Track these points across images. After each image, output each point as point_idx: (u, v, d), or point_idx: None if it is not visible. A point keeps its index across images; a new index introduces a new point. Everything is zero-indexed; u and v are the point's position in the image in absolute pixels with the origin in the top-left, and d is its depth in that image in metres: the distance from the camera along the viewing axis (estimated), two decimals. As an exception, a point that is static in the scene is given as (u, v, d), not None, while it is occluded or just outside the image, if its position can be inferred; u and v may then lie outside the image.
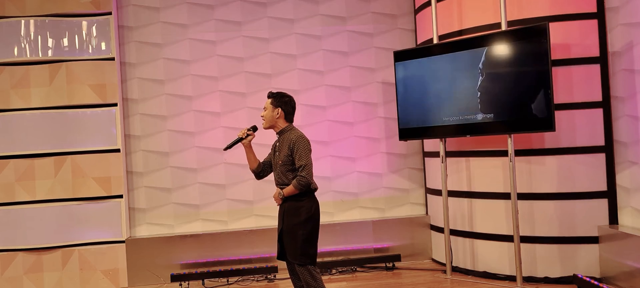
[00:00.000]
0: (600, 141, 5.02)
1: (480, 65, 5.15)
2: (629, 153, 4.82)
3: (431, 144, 6.10)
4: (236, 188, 6.25)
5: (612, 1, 4.94)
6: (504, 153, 5.22)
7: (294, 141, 3.86)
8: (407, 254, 6.22)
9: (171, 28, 6.20)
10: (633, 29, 4.69)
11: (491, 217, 5.43)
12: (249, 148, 4.10)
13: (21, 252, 5.82)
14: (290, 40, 6.31)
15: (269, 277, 5.79)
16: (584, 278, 4.81)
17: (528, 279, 5.18)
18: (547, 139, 5.12)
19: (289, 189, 3.86)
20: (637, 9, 4.64)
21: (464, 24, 5.53)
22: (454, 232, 5.71)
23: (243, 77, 6.26)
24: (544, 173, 5.15)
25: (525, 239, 5.19)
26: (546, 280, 5.13)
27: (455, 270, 5.69)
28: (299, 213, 3.86)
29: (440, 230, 5.93)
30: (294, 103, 4.04)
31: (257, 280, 5.77)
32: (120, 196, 5.97)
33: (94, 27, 5.96)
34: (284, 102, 4.00)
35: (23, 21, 5.83)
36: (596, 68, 5.03)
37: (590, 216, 5.05)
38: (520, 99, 4.91)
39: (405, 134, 5.76)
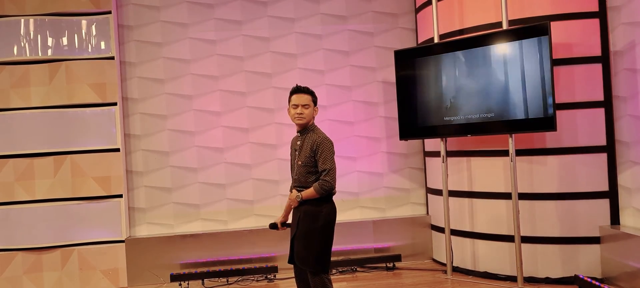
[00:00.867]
0: (602, 141, 5.00)
1: (481, 65, 5.13)
2: (630, 153, 4.79)
3: (432, 144, 6.08)
4: (236, 188, 6.23)
5: (614, 0, 4.91)
6: (505, 153, 5.20)
7: (319, 143, 3.65)
8: (407, 254, 6.21)
9: (171, 27, 6.19)
10: (635, 28, 4.67)
11: (492, 217, 5.41)
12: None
13: (21, 251, 5.81)
14: (291, 39, 6.29)
15: (269, 277, 5.77)
16: (585, 278, 4.78)
17: (529, 279, 5.16)
18: (549, 139, 5.10)
19: (309, 193, 3.63)
20: (639, 8, 4.61)
21: (465, 23, 5.51)
22: (455, 232, 5.70)
23: (243, 76, 6.24)
24: (545, 173, 5.13)
25: (526, 239, 5.17)
26: (547, 280, 5.11)
27: (456, 270, 5.67)
28: (317, 218, 3.64)
29: (441, 230, 5.91)
30: None
31: (257, 280, 5.76)
32: (120, 196, 5.95)
33: (93, 26, 5.95)
34: (317, 99, 3.82)
35: (23, 20, 5.82)
36: (598, 67, 5.00)
37: (591, 216, 5.03)
38: (521, 98, 4.89)
39: (406, 133, 5.74)
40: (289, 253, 3.82)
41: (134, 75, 6.14)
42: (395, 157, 6.40)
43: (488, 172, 5.41)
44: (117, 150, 5.96)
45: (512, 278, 5.19)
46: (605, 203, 5.01)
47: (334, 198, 3.75)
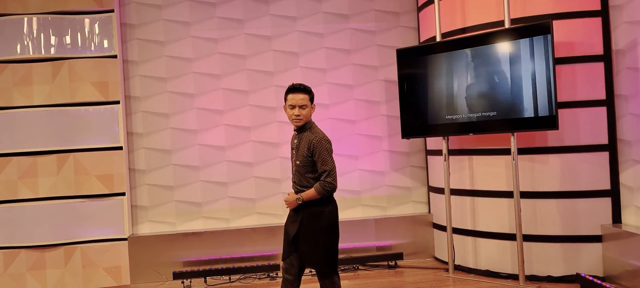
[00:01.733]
0: (604, 139, 5.00)
1: (483, 64, 5.13)
2: (632, 152, 4.79)
3: (434, 142, 6.08)
4: (238, 186, 6.25)
5: (616, -1, 4.91)
6: (506, 151, 5.21)
7: (315, 144, 3.55)
8: (409, 252, 6.21)
9: (173, 26, 6.20)
10: (637, 27, 4.67)
11: (494, 215, 5.42)
12: None
13: (24, 249, 5.83)
14: (293, 38, 6.30)
15: (271, 274, 5.79)
16: (587, 277, 4.79)
17: (530, 278, 5.16)
18: (551, 138, 5.10)
19: (310, 194, 3.55)
20: (641, 6, 4.61)
21: (467, 21, 5.51)
22: (457, 231, 5.70)
23: (245, 74, 6.25)
24: (547, 171, 5.13)
25: (528, 238, 5.17)
26: (549, 279, 5.11)
27: (458, 268, 5.68)
28: (321, 219, 3.57)
29: (442, 228, 5.92)
30: None
31: (259, 278, 5.77)
32: (123, 194, 5.97)
33: (96, 25, 5.96)
34: (314, 96, 3.69)
35: (26, 19, 5.84)
36: (600, 66, 5.00)
37: (593, 215, 5.03)
38: (523, 97, 4.89)
39: (408, 131, 5.75)
40: (283, 250, 3.71)
41: (136, 74, 6.15)
42: (397, 155, 6.40)
43: (490, 171, 5.42)
44: (120, 148, 5.97)
45: (514, 277, 5.20)
46: (607, 202, 5.02)
47: (335, 195, 3.71)
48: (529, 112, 4.86)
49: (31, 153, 5.84)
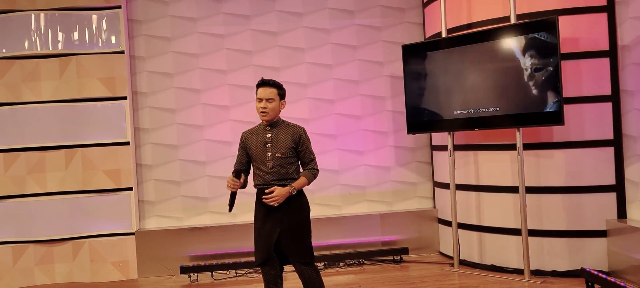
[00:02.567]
0: (609, 135, 5.01)
1: (488, 59, 5.14)
2: (637, 147, 4.81)
3: (439, 138, 6.10)
4: (244, 181, 6.28)
5: (622, -6, 4.92)
6: (512, 147, 5.22)
7: (300, 134, 3.69)
8: (414, 247, 6.24)
9: (180, 22, 6.23)
10: (643, 22, 4.68)
11: (499, 210, 5.44)
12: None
13: (32, 243, 5.88)
14: (299, 33, 6.32)
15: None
16: (592, 271, 4.80)
17: (536, 272, 5.19)
18: (556, 133, 5.11)
19: (302, 182, 3.65)
20: (647, 2, 4.62)
21: (473, 17, 5.52)
22: (462, 226, 5.73)
23: (251, 70, 6.28)
24: (553, 167, 5.15)
25: (533, 233, 5.20)
26: (554, 273, 5.14)
27: (463, 263, 5.70)
28: (303, 208, 3.70)
29: (448, 223, 5.94)
30: None
31: (266, 273, 5.81)
32: (130, 189, 6.01)
33: (103, 21, 6.00)
34: (284, 92, 3.75)
35: (33, 15, 5.88)
36: (605, 61, 5.01)
37: (598, 210, 5.05)
38: (528, 92, 4.91)
39: (413, 127, 5.77)
40: (260, 254, 3.66)
41: (143, 70, 6.19)
42: (403, 150, 6.43)
43: (495, 166, 5.44)
44: (127, 143, 6.01)
45: (519, 271, 5.22)
46: (612, 197, 5.03)
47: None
48: (534, 108, 4.87)
49: (39, 149, 5.89)
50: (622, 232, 4.83)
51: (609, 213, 5.03)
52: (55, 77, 5.90)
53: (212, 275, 5.78)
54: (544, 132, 5.17)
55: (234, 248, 6.08)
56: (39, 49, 5.89)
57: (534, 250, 5.18)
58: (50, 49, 5.90)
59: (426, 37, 6.32)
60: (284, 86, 3.81)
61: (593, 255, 5.07)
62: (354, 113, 6.36)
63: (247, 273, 5.82)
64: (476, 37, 5.23)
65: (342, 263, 5.92)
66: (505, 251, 5.41)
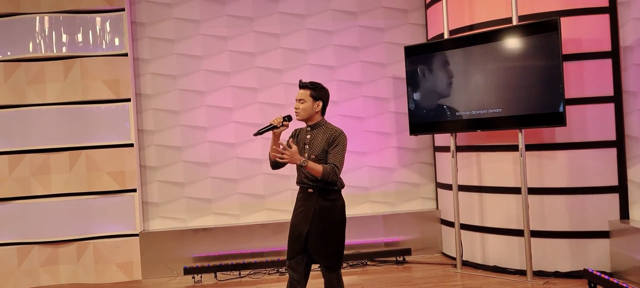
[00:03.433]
0: (612, 136, 5.02)
1: (491, 60, 5.15)
2: (640, 148, 4.81)
3: (442, 139, 6.11)
4: (248, 182, 6.31)
5: (624, -5, 4.92)
6: (514, 148, 5.23)
7: (337, 135, 3.59)
8: (417, 248, 6.26)
9: (183, 24, 6.26)
10: (645, 23, 4.68)
11: (502, 211, 5.45)
12: (277, 138, 3.63)
13: (37, 245, 5.92)
14: (302, 35, 6.34)
15: (280, 270, 5.85)
16: (595, 272, 4.81)
17: (538, 273, 5.19)
18: (558, 134, 5.12)
19: (316, 168, 3.49)
20: (649, 3, 4.62)
21: (475, 18, 5.53)
22: (465, 227, 5.74)
23: (254, 72, 6.30)
24: (555, 168, 5.15)
25: (535, 234, 5.20)
26: (556, 274, 5.14)
27: (466, 264, 5.71)
28: (333, 213, 3.61)
29: (450, 224, 5.95)
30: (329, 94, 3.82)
31: (269, 273, 5.84)
32: (134, 190, 6.04)
33: (107, 23, 6.03)
34: (324, 94, 3.72)
35: (38, 17, 5.91)
36: (608, 62, 5.01)
37: (601, 211, 5.05)
38: (531, 93, 4.91)
39: (416, 128, 5.78)
40: (290, 249, 3.68)
41: (147, 72, 6.22)
42: (405, 152, 6.44)
43: (497, 167, 5.45)
44: (131, 145, 6.04)
45: (522, 272, 5.23)
46: (614, 198, 5.03)
47: (343, 192, 3.71)
48: (537, 109, 4.88)
49: (44, 151, 5.92)
50: (625, 233, 4.83)
51: (611, 214, 5.04)
52: (60, 80, 5.94)
53: (215, 276, 5.81)
54: (546, 133, 5.17)
55: (238, 250, 6.10)
56: (43, 52, 5.93)
57: (536, 251, 5.19)
58: (55, 51, 5.94)
59: (429, 38, 6.34)
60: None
61: (596, 256, 5.07)
62: (356, 114, 6.38)
63: (251, 274, 5.84)
64: (478, 38, 5.24)
65: (345, 264, 5.93)
66: (507, 252, 5.42)
